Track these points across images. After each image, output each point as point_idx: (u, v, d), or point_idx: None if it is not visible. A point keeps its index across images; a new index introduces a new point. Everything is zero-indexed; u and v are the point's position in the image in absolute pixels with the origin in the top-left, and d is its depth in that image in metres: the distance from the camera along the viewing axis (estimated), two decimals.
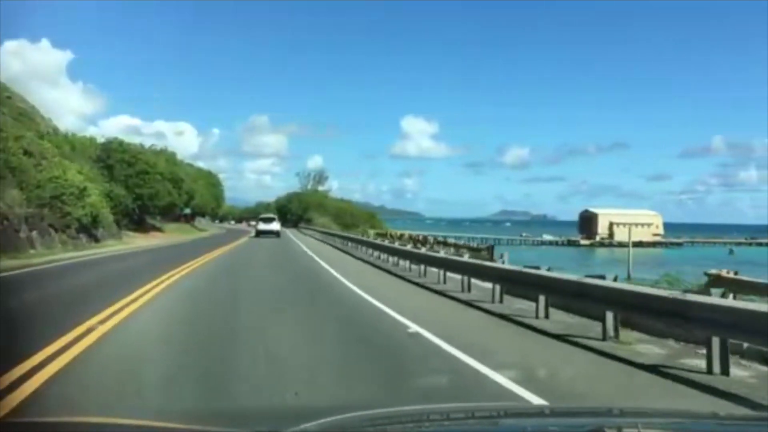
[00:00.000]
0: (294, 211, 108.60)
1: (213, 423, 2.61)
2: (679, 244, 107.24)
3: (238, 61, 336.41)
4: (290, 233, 67.99)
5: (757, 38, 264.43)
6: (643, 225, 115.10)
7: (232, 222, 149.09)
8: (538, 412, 3.35)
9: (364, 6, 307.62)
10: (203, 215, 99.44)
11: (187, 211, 71.41)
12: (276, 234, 48.45)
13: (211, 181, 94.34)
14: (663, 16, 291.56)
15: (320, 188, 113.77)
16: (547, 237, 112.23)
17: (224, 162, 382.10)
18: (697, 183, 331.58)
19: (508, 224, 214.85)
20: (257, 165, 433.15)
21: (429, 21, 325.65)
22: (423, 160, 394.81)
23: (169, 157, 70.35)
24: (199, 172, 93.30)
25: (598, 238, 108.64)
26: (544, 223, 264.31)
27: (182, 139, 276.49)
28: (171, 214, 70.18)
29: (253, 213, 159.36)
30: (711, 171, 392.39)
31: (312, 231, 70.96)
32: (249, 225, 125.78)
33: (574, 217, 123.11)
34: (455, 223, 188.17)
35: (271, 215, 57.68)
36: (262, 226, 49.76)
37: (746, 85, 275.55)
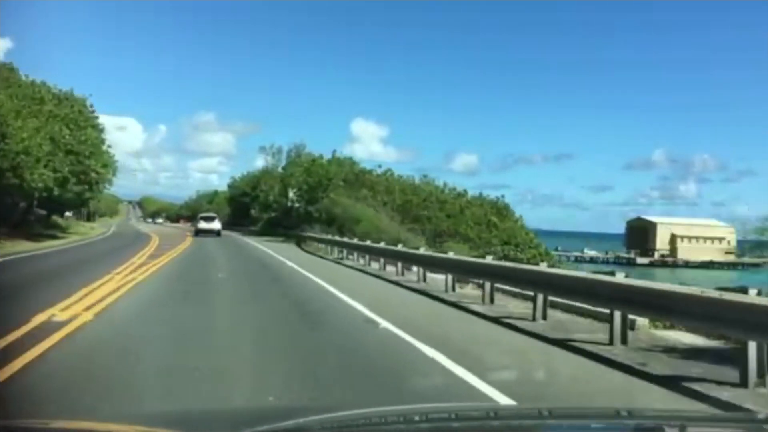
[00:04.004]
0: (272, 201, 51.49)
1: (182, 425, 2.42)
2: (756, 265, 77.18)
3: (188, 55, 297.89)
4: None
5: (700, 61, 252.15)
6: (713, 239, 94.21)
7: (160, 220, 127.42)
8: (515, 414, 3.10)
9: (313, 6, 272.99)
10: (59, 203, 41.31)
11: None
12: (216, 233, 44.80)
13: (76, 118, 36.28)
14: (610, 29, 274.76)
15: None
16: (589, 252, 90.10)
17: (170, 159, 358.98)
18: (639, 195, 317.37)
19: None
20: (203, 163, 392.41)
21: (378, 23, 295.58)
22: (372, 164, 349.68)
23: None
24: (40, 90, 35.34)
25: (657, 255, 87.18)
26: None
27: (125, 135, 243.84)
28: None
29: (191, 209, 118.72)
30: (652, 184, 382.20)
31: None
32: (150, 222, 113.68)
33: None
34: None
35: (211, 214, 52.89)
36: (202, 225, 46.94)
37: (689, 101, 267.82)
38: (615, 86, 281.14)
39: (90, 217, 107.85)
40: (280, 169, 68.30)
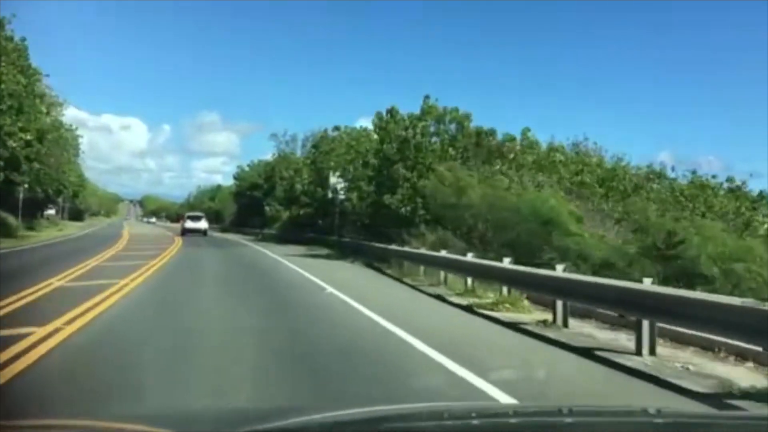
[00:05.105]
0: (300, 193, 36.22)
1: (182, 425, 2.34)
2: None
3: (190, 55, 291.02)
4: None
5: (703, 62, 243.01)
6: None
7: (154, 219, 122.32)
8: (510, 412, 3.02)
9: (313, 6, 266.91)
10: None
11: None
12: (203, 233, 47.38)
13: None
14: (617, 29, 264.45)
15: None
16: None
17: (173, 159, 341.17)
18: None
19: None
20: (207, 163, 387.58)
21: (379, 23, 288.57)
22: None
23: None
24: None
25: None
26: None
27: (130, 134, 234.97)
28: None
29: (192, 208, 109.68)
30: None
31: None
32: (145, 221, 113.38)
33: None
34: None
35: (198, 213, 55.19)
36: (189, 224, 49.04)
37: (692, 102, 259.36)
38: (616, 86, 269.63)
39: (78, 216, 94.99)
40: (298, 154, 53.25)
